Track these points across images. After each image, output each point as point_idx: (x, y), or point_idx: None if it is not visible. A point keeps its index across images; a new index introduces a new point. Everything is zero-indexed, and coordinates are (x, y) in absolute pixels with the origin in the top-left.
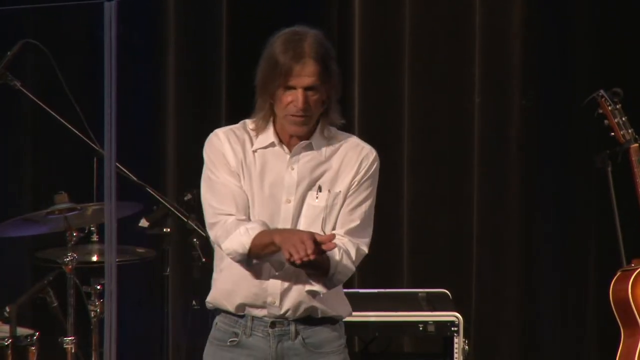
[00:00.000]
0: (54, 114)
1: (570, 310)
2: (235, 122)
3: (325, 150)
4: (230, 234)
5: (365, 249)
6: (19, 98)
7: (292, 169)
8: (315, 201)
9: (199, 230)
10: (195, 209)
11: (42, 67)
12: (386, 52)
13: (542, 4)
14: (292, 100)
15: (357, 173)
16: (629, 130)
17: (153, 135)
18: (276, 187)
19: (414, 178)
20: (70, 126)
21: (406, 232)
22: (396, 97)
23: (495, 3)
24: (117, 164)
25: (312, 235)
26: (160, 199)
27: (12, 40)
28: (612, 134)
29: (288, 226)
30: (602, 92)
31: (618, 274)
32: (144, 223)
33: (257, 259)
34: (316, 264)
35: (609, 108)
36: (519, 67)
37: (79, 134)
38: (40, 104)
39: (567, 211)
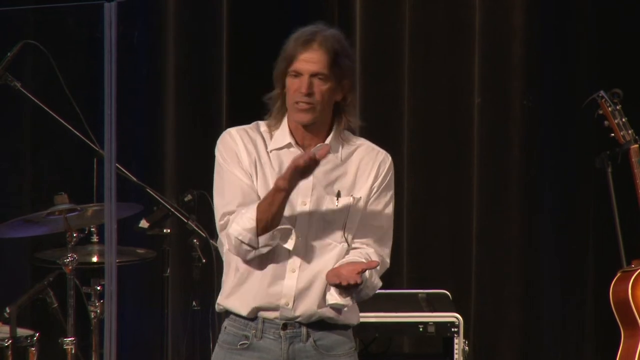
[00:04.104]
0: (54, 114)
1: (570, 310)
2: (236, 121)
3: (341, 153)
4: (233, 221)
5: (388, 261)
6: (19, 99)
7: None
8: (336, 206)
9: (199, 231)
10: (196, 209)
11: (42, 67)
12: (386, 52)
13: (542, 4)
14: (298, 86)
15: (375, 178)
16: (629, 131)
17: (153, 136)
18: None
19: (414, 178)
20: (70, 126)
21: (406, 233)
22: (396, 97)
23: (495, 3)
24: (117, 164)
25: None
26: (160, 200)
27: (12, 41)
28: (612, 134)
29: (305, 229)
30: (602, 92)
31: (618, 274)
32: (143, 224)
33: (266, 230)
34: (352, 286)
35: (609, 109)
36: (519, 67)
37: (79, 134)
38: (40, 104)
39: (567, 211)
